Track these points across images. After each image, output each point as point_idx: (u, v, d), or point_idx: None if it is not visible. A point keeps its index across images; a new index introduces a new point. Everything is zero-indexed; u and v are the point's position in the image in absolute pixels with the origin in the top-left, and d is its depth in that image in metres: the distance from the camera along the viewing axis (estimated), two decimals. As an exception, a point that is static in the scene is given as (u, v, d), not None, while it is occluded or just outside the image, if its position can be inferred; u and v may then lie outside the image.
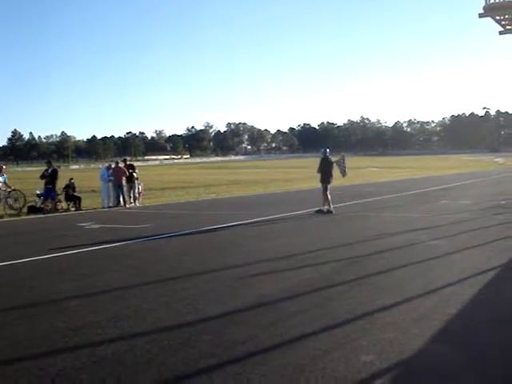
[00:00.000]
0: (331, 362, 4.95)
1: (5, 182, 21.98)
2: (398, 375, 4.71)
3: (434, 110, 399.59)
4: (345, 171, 19.67)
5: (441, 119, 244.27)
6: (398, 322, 6.06)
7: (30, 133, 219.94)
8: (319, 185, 18.98)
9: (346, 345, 5.37)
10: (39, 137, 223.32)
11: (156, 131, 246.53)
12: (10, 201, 21.67)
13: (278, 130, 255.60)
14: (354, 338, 5.55)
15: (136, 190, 24.48)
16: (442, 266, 9.29)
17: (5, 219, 19.22)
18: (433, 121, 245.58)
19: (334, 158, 19.61)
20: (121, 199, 23.50)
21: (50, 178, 21.76)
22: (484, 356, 5.14)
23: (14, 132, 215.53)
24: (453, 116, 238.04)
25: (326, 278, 8.53)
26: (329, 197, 18.48)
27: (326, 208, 18.26)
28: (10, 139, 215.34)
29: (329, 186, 18.68)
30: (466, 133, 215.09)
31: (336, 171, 19.31)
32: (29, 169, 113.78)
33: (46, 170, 22.08)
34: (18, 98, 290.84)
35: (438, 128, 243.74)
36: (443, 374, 4.70)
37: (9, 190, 21.88)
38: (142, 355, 5.24)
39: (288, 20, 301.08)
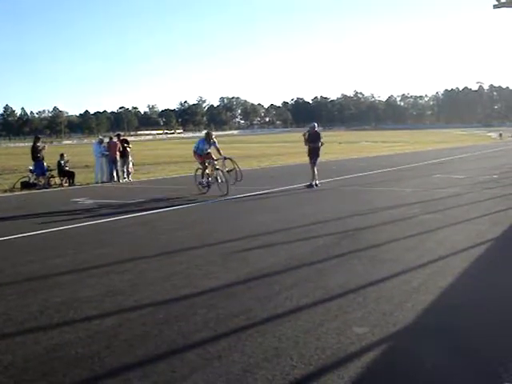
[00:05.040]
0: (325, 334, 4.99)
1: (218, 150, 18.02)
2: (390, 348, 4.76)
3: (428, 85, 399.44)
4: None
5: (434, 93, 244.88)
6: (391, 295, 6.11)
7: (22, 108, 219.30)
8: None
9: (340, 317, 5.41)
10: (31, 112, 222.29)
11: (149, 106, 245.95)
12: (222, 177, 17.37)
13: (272, 105, 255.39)
14: (347, 311, 5.60)
15: (130, 165, 24.48)
16: (434, 240, 9.33)
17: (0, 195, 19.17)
18: (426, 95, 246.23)
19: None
20: (114, 174, 23.49)
21: (42, 153, 21.68)
22: (475, 330, 5.20)
23: (6, 107, 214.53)
24: (446, 90, 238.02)
25: (320, 251, 8.57)
26: (315, 171, 18.61)
27: (314, 182, 18.36)
28: (1, 115, 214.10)
29: (317, 161, 18.85)
30: (460, 107, 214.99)
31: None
32: (21, 144, 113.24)
33: (36, 146, 21.90)
34: (9, 73, 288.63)
35: (432, 102, 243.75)
36: (436, 346, 4.75)
37: (222, 158, 17.94)
38: (137, 328, 5.28)
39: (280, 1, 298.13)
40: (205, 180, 17.60)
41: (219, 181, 17.23)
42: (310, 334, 5.00)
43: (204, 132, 19.62)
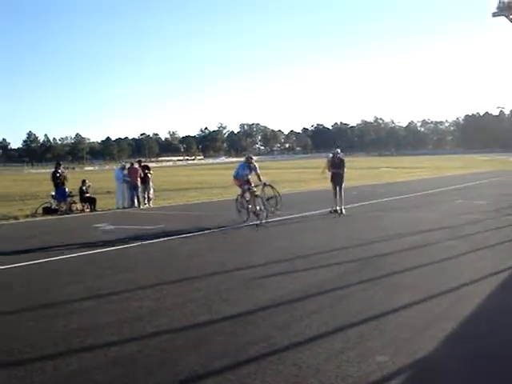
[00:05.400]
0: (345, 362, 4.94)
1: (258, 176, 17.07)
2: (411, 376, 4.69)
3: (448, 110, 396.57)
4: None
5: (455, 119, 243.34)
6: (413, 323, 6.04)
7: (45, 135, 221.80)
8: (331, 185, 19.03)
9: (360, 345, 5.36)
10: (54, 139, 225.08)
11: (170, 132, 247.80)
12: (260, 206, 16.43)
13: (292, 131, 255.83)
14: (368, 339, 5.54)
15: (151, 191, 24.61)
16: (456, 267, 9.24)
17: (20, 220, 19.33)
18: (446, 120, 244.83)
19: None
20: (135, 200, 23.63)
21: (62, 179, 21.85)
22: (498, 358, 5.12)
23: (29, 134, 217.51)
24: (467, 115, 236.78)
25: (340, 278, 8.52)
26: (342, 197, 18.50)
27: (339, 208, 18.27)
28: (25, 141, 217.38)
29: (343, 187, 18.72)
30: (480, 132, 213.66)
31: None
32: (43, 170, 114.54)
33: (57, 172, 22.09)
34: (33, 100, 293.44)
35: (452, 128, 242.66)
36: (456, 376, 4.67)
37: (262, 184, 17.09)
38: (156, 355, 5.26)
39: (302, 27, 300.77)
40: (244, 206, 16.79)
41: (258, 208, 16.43)
42: (331, 362, 4.94)
43: (244, 157, 18.40)
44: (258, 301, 7.21)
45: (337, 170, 18.77)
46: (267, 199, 16.70)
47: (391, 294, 7.39)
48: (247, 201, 16.69)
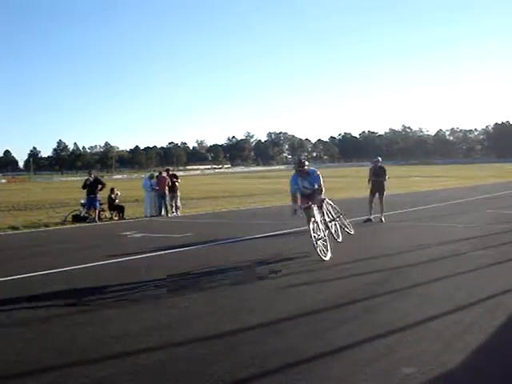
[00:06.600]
0: (372, 373, 4.91)
1: (320, 188, 12.05)
2: (440, 388, 4.65)
3: (477, 118, 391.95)
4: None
5: (484, 127, 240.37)
6: (441, 334, 5.97)
7: (75, 143, 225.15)
8: (362, 194, 18.97)
9: (388, 356, 5.31)
10: (83, 147, 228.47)
11: (197, 141, 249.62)
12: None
13: (319, 139, 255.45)
14: (395, 350, 5.49)
15: (178, 200, 24.74)
16: (486, 277, 9.13)
17: (50, 228, 19.58)
18: (476, 129, 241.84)
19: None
20: (163, 208, 23.81)
21: (92, 187, 22.07)
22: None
23: (59, 143, 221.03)
24: (496, 124, 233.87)
25: (368, 288, 8.46)
26: (383, 205, 18.51)
27: (377, 216, 18.23)
28: (55, 150, 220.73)
29: (384, 195, 18.72)
30: (511, 141, 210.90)
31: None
32: (73, 178, 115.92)
33: (88, 180, 22.39)
34: (62, 109, 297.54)
35: (482, 136, 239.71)
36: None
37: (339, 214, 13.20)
38: (183, 364, 5.29)
39: (332, 35, 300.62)
40: (314, 235, 11.34)
41: (318, 236, 11.45)
42: (358, 373, 4.91)
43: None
44: (284, 310, 7.20)
45: (378, 178, 18.76)
46: (330, 221, 12.59)
47: (419, 305, 7.32)
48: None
